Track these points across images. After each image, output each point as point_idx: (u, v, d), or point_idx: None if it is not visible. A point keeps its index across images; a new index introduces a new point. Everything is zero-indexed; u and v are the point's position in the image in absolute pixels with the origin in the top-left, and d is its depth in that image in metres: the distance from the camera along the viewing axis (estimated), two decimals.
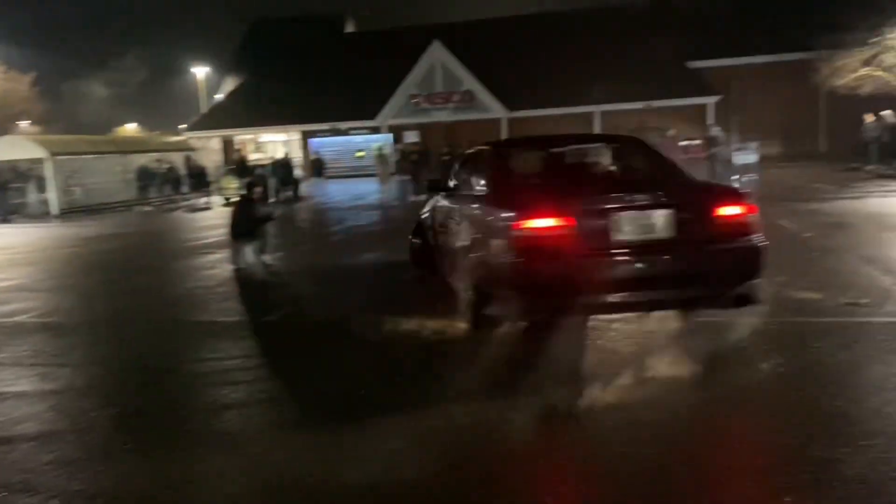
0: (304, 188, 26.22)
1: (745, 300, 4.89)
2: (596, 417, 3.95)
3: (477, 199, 5.88)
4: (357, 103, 34.40)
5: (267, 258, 10.00)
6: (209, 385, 5.01)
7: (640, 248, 4.72)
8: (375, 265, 10.04)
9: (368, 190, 25.44)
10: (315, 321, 6.73)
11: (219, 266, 10.26)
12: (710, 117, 29.26)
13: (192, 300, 8.06)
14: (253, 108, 36.47)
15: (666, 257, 4.76)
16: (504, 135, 31.46)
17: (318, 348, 5.85)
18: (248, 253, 9.73)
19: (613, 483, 3.30)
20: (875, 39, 21.80)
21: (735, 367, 4.66)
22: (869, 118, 22.71)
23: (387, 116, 34.02)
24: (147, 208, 24.49)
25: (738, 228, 4.87)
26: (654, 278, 4.75)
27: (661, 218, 4.77)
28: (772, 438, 3.68)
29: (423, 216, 8.20)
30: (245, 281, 9.05)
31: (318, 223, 17.51)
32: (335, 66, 37.68)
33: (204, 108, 40.83)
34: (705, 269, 4.82)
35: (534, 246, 4.63)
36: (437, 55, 33.32)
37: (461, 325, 5.73)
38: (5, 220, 22.51)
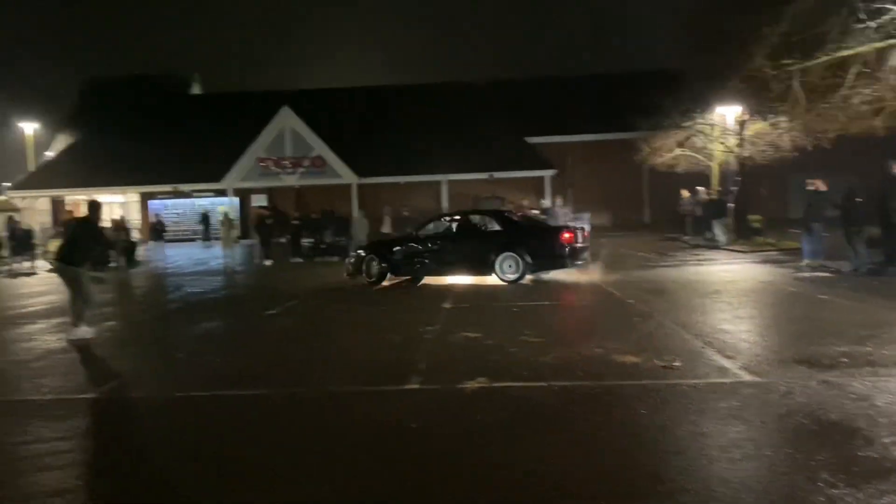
0: (141, 252, 24.87)
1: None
2: None
3: (504, 231, 13.91)
4: (202, 165, 33.46)
5: (93, 329, 9.34)
6: (17, 473, 4.56)
7: (581, 243, 13.72)
8: (213, 336, 9.66)
9: (212, 254, 24.58)
10: (140, 398, 6.36)
11: (39, 337, 9.46)
12: (547, 189, 31.18)
13: (3, 377, 7.34)
14: (88, 168, 34.41)
15: (581, 246, 13.72)
16: (354, 200, 31.82)
17: (143, 428, 5.53)
18: (83, 318, 9.10)
19: None
20: (687, 124, 24.35)
21: (559, 425, 4.91)
22: (685, 193, 25.14)
23: (233, 179, 33.31)
24: None
25: (583, 237, 14.19)
26: (580, 253, 13.72)
27: (582, 232, 14.03)
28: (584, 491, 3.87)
29: (394, 252, 14.44)
30: (69, 354, 8.39)
31: (155, 290, 16.63)
32: (179, 127, 36.57)
33: (32, 165, 37.94)
34: (583, 250, 13.94)
35: (567, 241, 13.24)
36: (286, 120, 33.29)
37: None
38: None
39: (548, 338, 8.04)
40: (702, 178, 25.50)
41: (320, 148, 33.13)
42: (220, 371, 7.28)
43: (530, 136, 34.61)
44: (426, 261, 14.06)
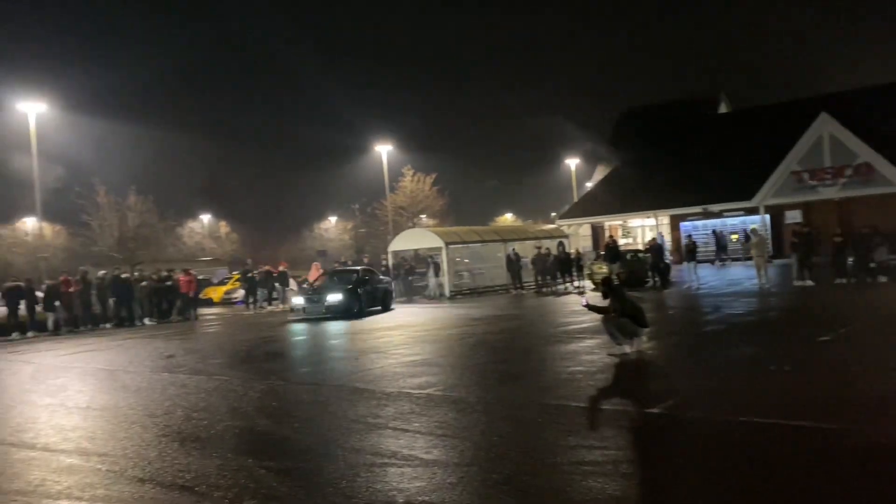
0: (674, 273, 25.68)
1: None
2: None
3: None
4: (730, 184, 33.05)
5: (641, 346, 9.94)
6: (593, 474, 5.02)
7: None
8: (762, 360, 9.28)
9: (744, 275, 23.95)
10: (697, 419, 6.43)
11: (597, 352, 10.46)
12: None
13: (574, 385, 8.29)
14: (622, 195, 37.33)
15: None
16: None
17: (702, 452, 5.57)
18: (624, 335, 9.85)
19: None
20: None
21: None
22: None
23: (765, 196, 31.96)
24: (522, 292, 26.29)
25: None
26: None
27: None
28: None
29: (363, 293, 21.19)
30: (623, 368, 9.09)
31: (691, 311, 16.90)
32: (706, 148, 36.92)
33: (575, 196, 43.03)
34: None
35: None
36: (824, 127, 30.54)
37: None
38: (410, 301, 26.13)
39: None
40: None
41: (866, 154, 29.41)
42: (778, 398, 6.92)
43: None
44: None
